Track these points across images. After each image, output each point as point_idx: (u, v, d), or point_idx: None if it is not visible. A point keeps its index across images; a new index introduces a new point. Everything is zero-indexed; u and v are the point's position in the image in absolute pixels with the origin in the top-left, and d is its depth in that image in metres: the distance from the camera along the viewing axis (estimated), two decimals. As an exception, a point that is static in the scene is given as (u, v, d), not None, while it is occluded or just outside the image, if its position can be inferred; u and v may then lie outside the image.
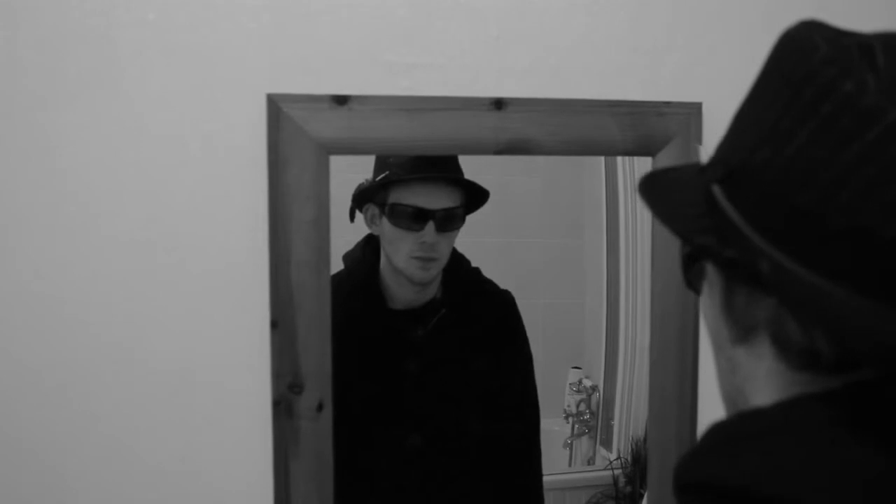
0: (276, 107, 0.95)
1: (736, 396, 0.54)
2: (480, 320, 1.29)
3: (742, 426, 0.49)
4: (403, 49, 1.00)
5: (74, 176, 0.94)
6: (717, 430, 0.50)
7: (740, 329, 0.51)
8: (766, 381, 0.50)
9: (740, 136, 0.51)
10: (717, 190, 0.50)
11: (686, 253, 0.59)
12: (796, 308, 0.45)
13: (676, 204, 0.54)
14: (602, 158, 1.35)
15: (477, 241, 1.27)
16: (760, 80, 0.51)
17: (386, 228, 1.21)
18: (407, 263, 1.20)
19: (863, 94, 0.42)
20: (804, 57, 0.45)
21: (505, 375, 1.25)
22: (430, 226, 1.19)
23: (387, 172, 1.19)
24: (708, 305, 0.56)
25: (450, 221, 1.21)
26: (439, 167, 1.20)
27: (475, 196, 1.23)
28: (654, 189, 0.57)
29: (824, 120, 0.43)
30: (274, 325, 0.97)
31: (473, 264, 1.28)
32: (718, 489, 0.45)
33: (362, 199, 1.21)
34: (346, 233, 1.21)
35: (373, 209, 1.21)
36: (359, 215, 1.23)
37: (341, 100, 0.97)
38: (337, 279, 1.09)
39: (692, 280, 0.60)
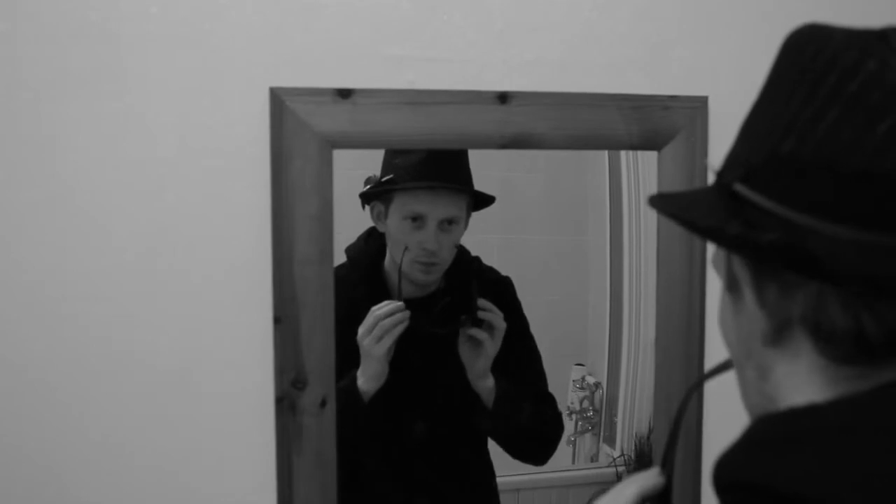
0: (280, 100, 0.94)
1: (767, 405, 0.52)
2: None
3: (795, 424, 0.47)
4: (407, 43, 0.99)
5: (75, 171, 0.93)
6: (766, 425, 0.49)
7: (773, 326, 0.50)
8: (806, 381, 0.49)
9: (755, 136, 0.51)
10: (741, 188, 0.49)
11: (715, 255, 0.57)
12: (853, 278, 0.44)
13: (698, 210, 0.53)
14: (606, 154, 1.35)
15: (480, 238, 1.26)
16: (772, 81, 0.51)
17: (391, 229, 1.21)
18: (410, 267, 1.20)
19: (887, 70, 0.44)
20: (822, 46, 0.46)
21: (509, 355, 1.25)
22: (432, 229, 1.19)
23: (391, 175, 1.18)
24: (730, 314, 0.55)
25: (452, 225, 1.21)
26: (445, 173, 1.19)
27: (481, 199, 1.23)
28: (668, 201, 0.56)
29: (851, 98, 0.44)
30: (277, 321, 0.97)
31: (476, 260, 1.27)
32: (768, 492, 0.43)
33: (368, 196, 1.21)
34: (350, 228, 1.20)
35: (379, 206, 1.21)
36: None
37: (345, 93, 0.96)
38: (341, 271, 1.08)
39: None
